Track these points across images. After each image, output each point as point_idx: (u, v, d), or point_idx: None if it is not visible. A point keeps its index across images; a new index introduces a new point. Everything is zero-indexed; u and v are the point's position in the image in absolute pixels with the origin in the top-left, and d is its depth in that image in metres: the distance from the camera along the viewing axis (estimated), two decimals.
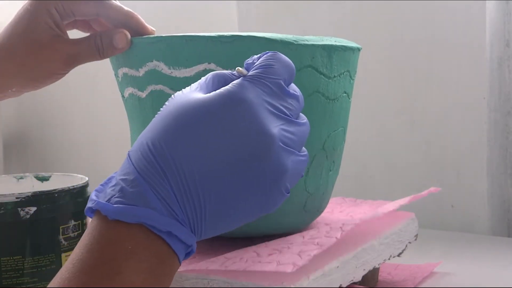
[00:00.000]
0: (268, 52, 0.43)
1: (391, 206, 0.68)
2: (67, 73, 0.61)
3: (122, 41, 0.59)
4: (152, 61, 0.58)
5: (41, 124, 1.61)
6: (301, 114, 0.44)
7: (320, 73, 0.59)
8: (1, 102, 1.57)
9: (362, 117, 1.04)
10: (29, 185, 0.71)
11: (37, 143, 1.63)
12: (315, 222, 0.68)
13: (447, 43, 0.98)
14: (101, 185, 0.41)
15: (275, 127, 0.40)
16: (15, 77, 0.59)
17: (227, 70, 0.55)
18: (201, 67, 0.55)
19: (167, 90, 0.57)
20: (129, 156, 0.40)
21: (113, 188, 0.39)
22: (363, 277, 0.62)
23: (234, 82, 0.41)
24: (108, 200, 0.38)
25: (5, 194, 0.59)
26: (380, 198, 0.81)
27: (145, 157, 0.39)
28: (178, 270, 0.54)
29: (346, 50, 0.61)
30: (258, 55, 0.44)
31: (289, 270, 0.51)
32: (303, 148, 0.43)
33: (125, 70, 0.61)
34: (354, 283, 0.60)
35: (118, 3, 0.60)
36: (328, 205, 0.74)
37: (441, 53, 0.98)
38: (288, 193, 0.42)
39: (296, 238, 0.59)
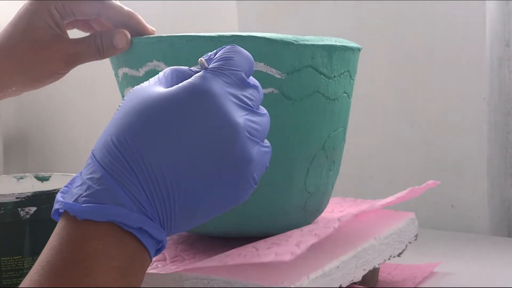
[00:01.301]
0: (226, 46, 0.44)
1: (389, 199, 0.68)
2: (67, 72, 0.61)
3: (122, 41, 0.59)
4: (152, 61, 0.58)
5: (41, 124, 1.61)
6: (260, 106, 0.44)
7: (320, 73, 0.59)
8: (1, 102, 1.57)
9: (362, 117, 1.04)
10: (29, 185, 0.71)
11: (37, 143, 1.63)
12: (315, 222, 0.68)
13: (447, 43, 0.98)
14: (66, 186, 0.40)
15: (240, 117, 0.40)
16: (15, 76, 0.59)
17: None
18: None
19: None
20: (93, 155, 0.39)
21: (79, 187, 0.38)
22: (363, 277, 0.62)
23: (197, 75, 0.41)
24: (76, 200, 0.38)
25: (5, 194, 0.58)
26: (380, 198, 0.81)
27: (110, 154, 0.38)
28: (178, 270, 0.54)
29: (346, 50, 0.61)
30: (214, 51, 0.44)
31: (287, 258, 0.51)
32: (266, 140, 0.43)
33: (125, 70, 0.61)
34: (354, 283, 0.60)
35: (118, 3, 0.60)
36: (328, 205, 0.74)
37: (441, 53, 0.98)
38: (255, 184, 0.41)
39: (294, 232, 0.59)
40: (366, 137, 1.06)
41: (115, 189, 0.37)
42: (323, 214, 0.70)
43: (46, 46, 0.58)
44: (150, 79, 0.42)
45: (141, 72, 0.59)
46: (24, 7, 0.59)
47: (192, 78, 0.40)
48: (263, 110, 0.44)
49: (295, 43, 0.56)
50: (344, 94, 0.63)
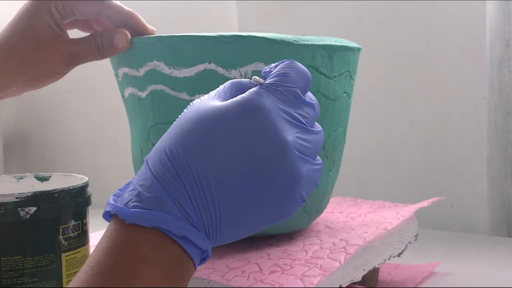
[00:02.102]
0: (285, 61, 0.44)
1: (394, 219, 0.68)
2: (67, 72, 0.61)
3: (122, 41, 0.59)
4: (152, 61, 0.58)
5: (41, 124, 1.61)
6: (316, 122, 0.44)
7: (320, 73, 0.59)
8: (1, 102, 1.57)
9: (362, 117, 1.04)
10: (29, 185, 0.71)
11: (37, 143, 1.63)
12: (315, 223, 0.68)
13: (447, 43, 0.98)
14: (120, 189, 0.42)
15: (291, 134, 0.40)
16: (15, 76, 0.59)
17: (227, 70, 0.55)
18: (201, 67, 0.55)
19: (167, 90, 0.57)
20: (146, 162, 0.41)
21: (130, 192, 0.40)
22: (363, 277, 0.62)
23: (251, 90, 0.41)
24: (126, 204, 0.39)
25: (5, 194, 0.58)
26: (380, 198, 0.81)
27: (162, 163, 0.39)
28: None
29: (347, 50, 0.61)
30: (275, 63, 0.44)
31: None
32: (318, 157, 0.43)
33: (125, 70, 0.61)
34: (354, 283, 0.60)
35: (118, 3, 0.60)
36: (328, 205, 0.74)
37: (441, 53, 0.98)
38: (303, 202, 0.42)
39: (298, 253, 0.58)
40: (366, 137, 1.06)
41: (163, 197, 0.38)
42: (323, 214, 0.70)
43: (46, 46, 0.58)
44: (211, 92, 0.43)
45: (141, 72, 0.59)
46: (24, 7, 0.59)
47: (246, 93, 0.41)
48: (317, 127, 0.44)
49: (295, 43, 0.56)
50: (344, 94, 0.63)
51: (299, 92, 0.42)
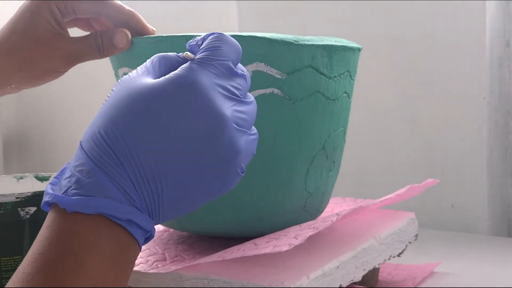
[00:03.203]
0: (214, 33, 0.43)
1: (387, 196, 0.68)
2: (66, 71, 0.61)
3: (122, 40, 0.59)
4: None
5: (41, 124, 1.61)
6: (248, 93, 0.44)
7: (320, 73, 0.59)
8: (1, 102, 1.57)
9: (362, 117, 1.04)
10: (29, 185, 0.71)
11: (37, 143, 1.63)
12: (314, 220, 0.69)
13: (447, 43, 0.98)
14: (55, 177, 0.41)
15: (227, 108, 0.40)
16: (14, 74, 0.59)
17: None
18: None
19: None
20: (81, 146, 0.39)
21: (68, 179, 0.39)
22: (363, 277, 0.62)
23: (183, 66, 0.41)
24: (65, 192, 0.38)
25: (5, 194, 0.58)
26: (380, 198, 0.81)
27: (98, 146, 0.38)
28: (178, 270, 0.54)
29: (346, 50, 0.61)
30: (202, 36, 0.44)
31: (285, 249, 0.51)
32: (253, 127, 0.43)
33: (125, 69, 0.61)
34: (354, 283, 0.60)
35: (119, 2, 0.60)
36: (328, 205, 0.74)
37: (441, 53, 0.98)
38: (243, 173, 0.42)
39: (293, 228, 0.59)
40: (366, 137, 1.06)
41: (104, 182, 0.38)
42: (322, 214, 0.70)
43: (47, 44, 0.58)
44: (138, 68, 0.42)
45: None
46: (25, 5, 0.59)
47: (179, 69, 0.40)
48: (250, 97, 0.44)
49: (296, 43, 0.56)
50: (344, 94, 0.63)
51: (231, 65, 0.42)
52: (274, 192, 0.60)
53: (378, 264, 0.64)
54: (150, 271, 0.55)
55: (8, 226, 0.58)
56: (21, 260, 0.58)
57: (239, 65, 0.44)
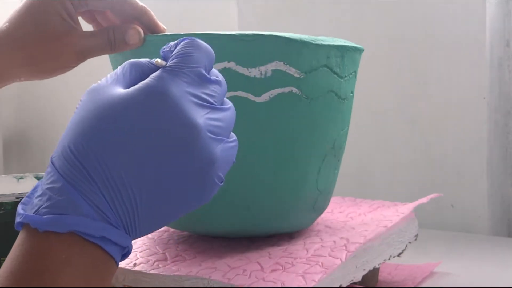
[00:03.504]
0: (185, 39, 0.42)
1: (393, 217, 0.68)
2: (76, 66, 0.59)
3: (134, 37, 0.57)
4: None
5: (41, 124, 1.62)
6: (225, 99, 0.43)
7: (334, 72, 0.59)
8: (1, 102, 1.57)
9: (363, 117, 1.04)
10: (29, 185, 0.71)
11: (37, 143, 1.63)
12: (315, 223, 0.68)
13: (447, 43, 0.98)
14: (27, 196, 0.39)
15: (200, 117, 0.39)
16: (24, 68, 0.57)
17: (247, 68, 0.55)
18: (220, 65, 0.55)
19: None
20: (52, 162, 0.38)
21: (40, 198, 0.37)
22: (363, 277, 0.62)
23: (153, 75, 0.39)
24: (36, 211, 0.37)
25: (5, 194, 0.58)
26: (380, 198, 0.81)
27: (68, 162, 0.37)
28: (179, 271, 0.54)
29: (356, 51, 0.62)
30: (175, 42, 0.42)
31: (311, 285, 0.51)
32: (232, 134, 0.42)
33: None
34: (354, 283, 0.60)
35: None
36: (328, 205, 0.74)
37: (441, 53, 0.99)
38: (221, 182, 0.41)
39: (299, 252, 0.58)
40: (366, 137, 1.06)
41: (76, 199, 0.36)
42: (322, 215, 0.70)
43: (58, 39, 0.56)
44: (108, 75, 0.41)
45: None
46: None
47: (149, 78, 0.39)
48: (227, 103, 0.42)
49: (313, 42, 0.57)
50: (351, 94, 0.64)
51: (204, 71, 0.41)
52: (290, 191, 0.60)
53: (378, 264, 0.64)
54: (151, 272, 0.55)
55: (8, 226, 0.58)
56: None
57: (214, 70, 0.43)
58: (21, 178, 0.71)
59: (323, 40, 0.58)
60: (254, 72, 0.55)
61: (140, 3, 0.59)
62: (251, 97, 0.56)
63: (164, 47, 0.43)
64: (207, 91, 0.40)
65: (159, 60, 0.41)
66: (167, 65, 0.40)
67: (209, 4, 1.25)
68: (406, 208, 0.71)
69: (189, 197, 0.39)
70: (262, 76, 0.55)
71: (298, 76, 0.57)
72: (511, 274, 0.75)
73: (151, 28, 0.59)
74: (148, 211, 0.38)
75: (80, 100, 0.40)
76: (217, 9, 1.25)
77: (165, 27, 0.60)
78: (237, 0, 1.19)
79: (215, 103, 0.41)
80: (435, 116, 1.00)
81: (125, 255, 0.39)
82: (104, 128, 0.37)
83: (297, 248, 0.59)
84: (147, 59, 0.43)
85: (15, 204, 0.58)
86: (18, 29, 0.56)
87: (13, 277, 0.35)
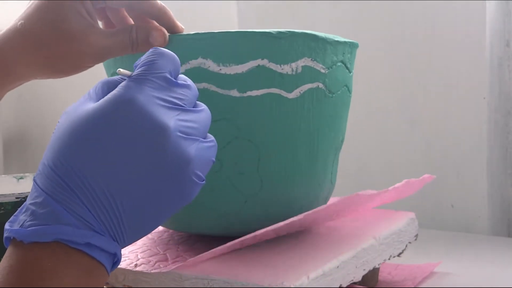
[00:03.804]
0: (150, 50, 0.43)
1: (385, 189, 0.67)
2: (93, 66, 0.57)
3: (160, 39, 0.56)
4: (197, 59, 0.56)
5: (41, 123, 1.62)
6: (198, 102, 0.43)
7: (347, 68, 0.62)
8: (1, 102, 1.56)
9: (362, 117, 1.04)
10: (29, 185, 0.71)
11: (37, 143, 1.63)
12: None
13: (447, 43, 0.98)
14: (14, 215, 0.40)
15: (169, 118, 0.40)
16: (40, 67, 0.56)
17: (280, 65, 0.56)
18: (254, 63, 0.56)
19: (213, 88, 0.56)
20: (35, 181, 0.39)
21: (24, 213, 0.39)
22: (363, 277, 0.62)
23: (120, 85, 0.40)
24: (21, 226, 0.38)
25: (5, 194, 0.58)
26: None
27: (49, 178, 0.38)
28: (178, 271, 0.54)
29: (357, 47, 0.65)
30: (145, 55, 0.43)
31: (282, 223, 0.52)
32: (209, 135, 0.43)
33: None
34: (354, 283, 0.60)
35: None
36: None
37: (441, 53, 0.99)
38: (202, 181, 0.41)
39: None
40: (366, 137, 1.06)
41: (58, 210, 0.37)
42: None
43: (78, 38, 0.54)
44: (81, 96, 0.42)
45: (183, 69, 0.58)
46: None
47: (116, 89, 0.40)
48: (200, 106, 0.43)
49: (334, 39, 0.59)
50: (352, 89, 0.67)
51: (168, 76, 0.41)
52: (315, 185, 0.62)
53: (378, 264, 0.64)
54: (152, 272, 0.55)
55: None
56: None
57: (181, 76, 0.43)
58: (21, 178, 0.71)
59: (339, 38, 0.61)
60: (286, 69, 0.57)
61: (159, 2, 0.57)
62: (283, 93, 0.57)
63: (137, 61, 0.43)
64: (174, 95, 0.41)
65: (121, 69, 0.42)
66: (133, 74, 0.41)
67: (209, 4, 1.25)
68: (398, 185, 0.70)
69: (170, 198, 0.40)
70: (293, 73, 0.57)
71: (323, 71, 0.59)
72: (511, 274, 0.75)
73: (170, 28, 0.57)
74: (131, 216, 0.39)
75: (58, 122, 0.41)
76: (217, 9, 1.25)
77: (183, 27, 0.58)
78: (237, 0, 1.19)
79: (184, 105, 0.41)
80: (435, 116, 1.00)
81: (115, 263, 0.40)
82: (78, 143, 0.38)
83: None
84: (119, 76, 0.43)
85: (15, 204, 0.58)
86: (34, 27, 0.55)
87: (1, 286, 0.36)
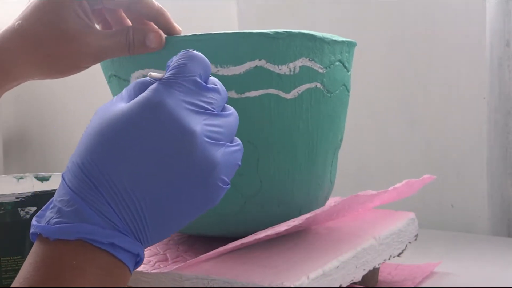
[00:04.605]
0: (180, 52, 0.43)
1: (384, 190, 0.68)
2: (90, 66, 0.58)
3: (156, 41, 0.56)
4: None
5: (41, 124, 1.62)
6: (227, 105, 0.44)
7: (344, 67, 0.62)
8: (1, 102, 1.57)
9: (363, 117, 1.04)
10: (29, 185, 0.71)
11: (37, 143, 1.63)
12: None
13: (447, 43, 0.98)
14: (42, 210, 0.41)
15: (197, 123, 0.40)
16: (38, 67, 0.56)
17: (278, 66, 0.56)
18: (252, 64, 0.56)
19: None
20: (63, 178, 0.40)
21: (51, 210, 0.39)
22: (363, 277, 0.62)
23: (149, 88, 0.41)
24: (47, 222, 0.39)
25: (5, 194, 0.59)
26: None
27: (77, 176, 0.39)
28: (178, 270, 0.54)
29: (354, 46, 0.65)
30: (175, 57, 0.43)
31: (283, 228, 0.53)
32: (236, 138, 0.43)
33: (146, 71, 0.58)
34: (354, 283, 0.60)
35: None
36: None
37: (441, 53, 0.99)
38: (227, 185, 0.42)
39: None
40: (366, 136, 1.06)
41: (84, 209, 0.38)
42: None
43: (76, 38, 0.55)
44: (115, 96, 0.43)
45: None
46: None
47: (145, 92, 0.40)
48: (229, 109, 0.43)
49: (332, 39, 0.59)
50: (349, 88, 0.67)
51: (198, 79, 0.42)
52: (315, 185, 0.62)
53: (378, 264, 0.64)
54: (152, 271, 0.55)
55: (8, 226, 0.58)
56: (21, 260, 0.58)
57: (211, 79, 0.43)
58: (21, 178, 0.71)
59: (337, 37, 0.61)
60: (284, 69, 0.57)
61: (156, 3, 0.57)
62: (281, 94, 0.57)
63: (169, 61, 0.44)
64: (203, 99, 0.41)
65: (152, 73, 0.43)
66: (163, 77, 0.41)
67: (209, 4, 1.25)
68: (398, 185, 0.71)
69: (194, 201, 0.40)
70: (291, 73, 0.57)
71: (321, 71, 0.59)
72: (511, 274, 0.75)
73: (167, 29, 0.57)
74: (155, 217, 0.39)
75: (90, 120, 0.42)
76: (217, 9, 1.25)
77: (180, 29, 0.58)
78: (237, 0, 1.19)
79: (213, 109, 0.41)
80: (435, 116, 1.00)
81: (138, 263, 0.40)
82: (106, 142, 0.39)
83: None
84: (151, 78, 0.43)
85: (15, 204, 0.58)
86: (32, 28, 0.55)
87: (27, 282, 0.37)
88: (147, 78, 0.43)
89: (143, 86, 0.43)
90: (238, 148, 0.43)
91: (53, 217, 0.39)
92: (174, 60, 0.43)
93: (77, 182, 0.39)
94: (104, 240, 0.38)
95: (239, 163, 0.43)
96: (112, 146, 0.39)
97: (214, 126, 0.41)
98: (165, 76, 0.41)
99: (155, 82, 0.42)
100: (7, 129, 1.63)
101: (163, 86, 0.40)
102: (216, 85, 0.43)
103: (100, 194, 0.38)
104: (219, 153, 0.41)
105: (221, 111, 0.42)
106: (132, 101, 0.40)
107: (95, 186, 0.38)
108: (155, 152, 0.39)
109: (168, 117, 0.39)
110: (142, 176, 0.39)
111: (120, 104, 0.41)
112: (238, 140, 0.43)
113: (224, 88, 0.44)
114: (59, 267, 0.37)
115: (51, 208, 0.39)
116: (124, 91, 0.43)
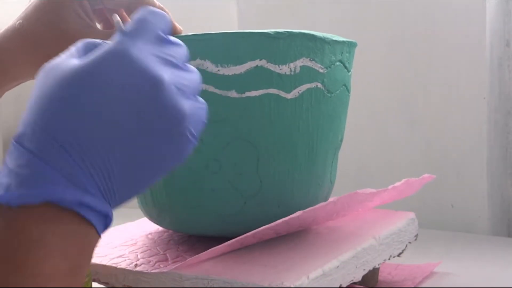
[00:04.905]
0: (140, 9, 0.42)
1: (384, 188, 0.67)
2: None
3: None
4: (195, 60, 0.56)
5: None
6: (188, 65, 0.42)
7: (345, 67, 0.63)
8: (1, 101, 1.57)
9: (362, 117, 1.04)
10: None
11: None
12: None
13: (447, 43, 0.98)
14: None
15: (164, 71, 0.38)
16: (38, 67, 0.54)
17: (278, 66, 0.56)
18: (253, 63, 0.56)
19: (211, 89, 0.56)
20: (20, 144, 0.37)
21: (8, 178, 0.36)
22: (363, 277, 0.62)
23: (111, 40, 0.39)
24: (7, 189, 0.36)
25: None
26: None
27: (39, 139, 0.36)
28: (178, 271, 0.54)
29: (355, 46, 0.65)
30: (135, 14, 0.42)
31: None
32: (200, 99, 0.42)
33: None
34: (354, 283, 0.60)
35: None
36: None
37: (441, 53, 0.99)
38: (195, 140, 0.40)
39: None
40: (366, 137, 1.06)
41: (46, 170, 0.36)
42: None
43: (75, 37, 0.54)
44: (62, 54, 0.40)
45: None
46: None
47: (107, 44, 0.39)
48: (191, 67, 0.42)
49: (332, 39, 0.59)
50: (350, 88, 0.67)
51: (161, 33, 0.40)
52: (315, 185, 0.62)
53: (378, 264, 0.64)
54: (152, 271, 0.55)
55: None
56: None
57: (171, 37, 0.42)
58: None
59: (337, 37, 0.61)
60: (284, 69, 0.57)
61: (157, 3, 0.57)
62: (282, 94, 0.57)
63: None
64: (167, 51, 0.40)
65: (118, 18, 0.42)
66: (125, 29, 0.40)
67: (209, 4, 1.25)
68: (397, 184, 0.70)
69: (163, 154, 0.39)
70: (292, 73, 0.57)
71: (322, 71, 0.59)
72: (511, 274, 0.75)
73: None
74: (124, 172, 0.38)
75: (38, 80, 0.39)
76: (217, 9, 1.25)
77: (181, 28, 0.58)
78: (237, 0, 1.19)
79: (177, 62, 0.40)
80: (435, 116, 1.00)
81: (107, 226, 0.38)
82: (70, 98, 0.37)
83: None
84: (102, 40, 0.42)
85: None
86: (32, 28, 0.55)
87: None
88: (96, 40, 0.42)
89: (93, 46, 0.41)
90: (204, 107, 0.41)
91: (11, 183, 0.36)
92: (134, 15, 0.41)
93: (37, 144, 0.36)
94: (71, 199, 0.36)
95: (205, 121, 0.41)
96: (76, 101, 0.36)
97: (180, 77, 0.40)
98: (127, 29, 0.39)
99: (103, 44, 0.41)
100: (7, 129, 1.63)
101: (126, 37, 0.39)
102: (178, 42, 0.42)
103: (65, 152, 0.36)
104: (187, 104, 0.39)
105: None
106: (91, 53, 0.38)
107: (62, 146, 0.36)
108: (123, 103, 0.37)
109: (135, 65, 0.37)
110: (109, 129, 0.37)
111: (73, 60, 0.39)
112: (203, 101, 0.42)
113: (185, 46, 0.42)
114: (22, 238, 0.35)
115: (7, 175, 0.36)
116: (73, 49, 0.41)
